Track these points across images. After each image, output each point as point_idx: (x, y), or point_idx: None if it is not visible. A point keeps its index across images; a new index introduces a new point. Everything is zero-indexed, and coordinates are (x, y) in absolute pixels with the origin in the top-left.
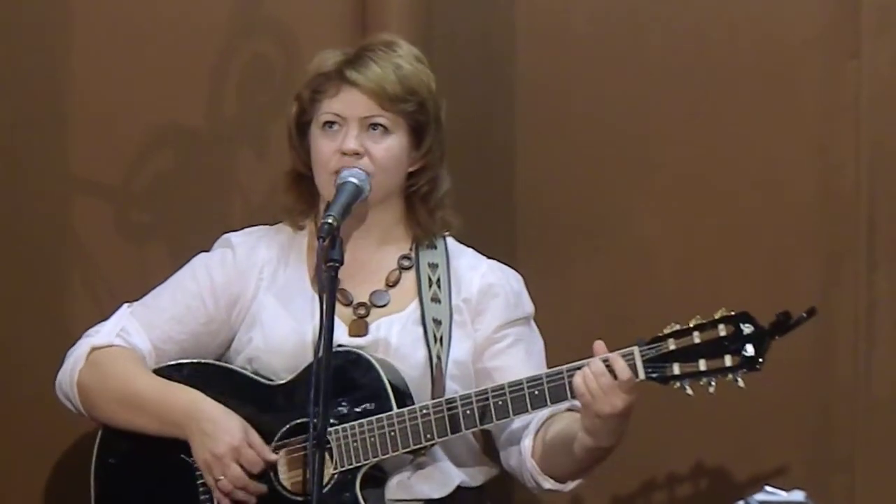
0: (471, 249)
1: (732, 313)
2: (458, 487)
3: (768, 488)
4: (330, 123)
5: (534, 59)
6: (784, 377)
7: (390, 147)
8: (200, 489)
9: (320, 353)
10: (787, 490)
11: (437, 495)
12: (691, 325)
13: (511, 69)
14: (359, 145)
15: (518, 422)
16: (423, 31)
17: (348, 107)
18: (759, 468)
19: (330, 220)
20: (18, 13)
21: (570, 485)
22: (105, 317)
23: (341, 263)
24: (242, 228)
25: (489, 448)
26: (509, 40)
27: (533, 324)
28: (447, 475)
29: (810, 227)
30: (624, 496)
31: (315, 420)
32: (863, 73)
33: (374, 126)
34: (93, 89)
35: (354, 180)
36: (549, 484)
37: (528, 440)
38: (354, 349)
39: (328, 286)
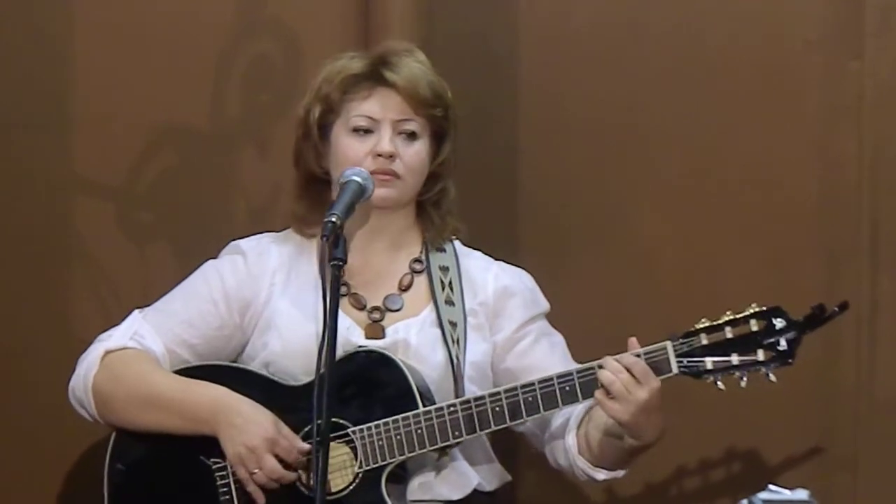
0: (478, 252)
1: (765, 308)
2: (474, 490)
3: (772, 487)
4: (362, 128)
5: (535, 60)
6: (787, 376)
7: (419, 151)
8: (221, 490)
9: (324, 351)
10: (790, 489)
11: (455, 497)
12: (724, 320)
13: (512, 70)
14: (394, 147)
15: (558, 419)
16: (425, 32)
17: (383, 108)
18: (762, 467)
19: (333, 219)
20: (21, 14)
21: (621, 472)
22: (108, 316)
23: (345, 262)
24: (244, 229)
25: (504, 453)
26: (511, 41)
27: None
28: (465, 477)
29: (813, 227)
30: (627, 494)
31: (319, 421)
32: (865, 73)
33: (406, 132)
34: (96, 89)
35: (358, 179)
36: (602, 475)
37: (571, 437)
38: (376, 349)
39: (332, 284)
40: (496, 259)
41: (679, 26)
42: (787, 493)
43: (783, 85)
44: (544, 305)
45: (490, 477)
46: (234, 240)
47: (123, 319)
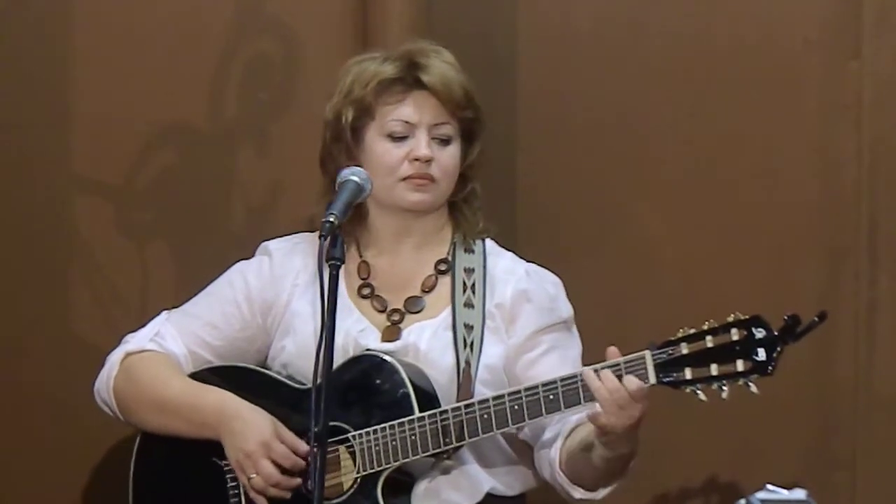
0: (510, 253)
1: (745, 317)
2: (492, 496)
3: (770, 487)
4: (398, 134)
5: (535, 59)
6: (785, 375)
7: (454, 154)
8: (231, 491)
9: (322, 353)
10: (788, 488)
11: (465, 503)
12: (704, 329)
13: (512, 69)
14: (430, 152)
15: (549, 431)
16: (424, 31)
17: (418, 112)
18: (760, 466)
19: (331, 219)
20: (20, 13)
21: (601, 492)
22: (107, 315)
23: (342, 262)
24: (243, 227)
25: (529, 458)
26: (511, 40)
27: (573, 328)
28: (475, 481)
29: (812, 226)
30: (626, 497)
31: (317, 424)
32: (864, 72)
33: (440, 136)
34: (94, 88)
35: (356, 179)
36: (579, 493)
37: (555, 451)
38: (379, 353)
39: (330, 285)
40: (530, 261)
41: (679, 26)
42: (784, 493)
43: (783, 84)
44: (564, 314)
45: (511, 481)
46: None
47: (149, 321)
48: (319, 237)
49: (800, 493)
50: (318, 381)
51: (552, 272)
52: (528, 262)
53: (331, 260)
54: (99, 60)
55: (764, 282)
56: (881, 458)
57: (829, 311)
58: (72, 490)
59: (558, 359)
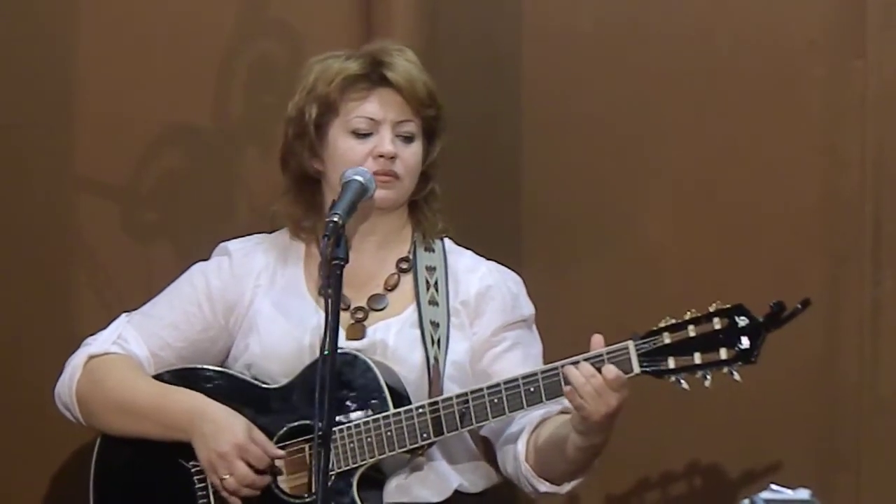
0: (469, 251)
1: (727, 306)
2: (459, 493)
3: (774, 486)
4: (362, 130)
5: (539, 61)
6: (790, 376)
7: (416, 152)
8: (199, 493)
9: (326, 353)
10: (792, 488)
11: (435, 499)
12: (686, 319)
13: (516, 70)
14: (394, 148)
15: (514, 426)
16: (428, 33)
17: (383, 109)
18: (764, 467)
19: (335, 219)
20: (25, 13)
21: (567, 486)
22: (111, 316)
23: (346, 262)
24: (247, 229)
25: (491, 455)
26: (515, 41)
27: (533, 327)
28: (444, 478)
29: (816, 227)
30: (630, 497)
31: (320, 422)
32: (868, 73)
33: (404, 134)
34: (99, 89)
35: (360, 179)
36: (544, 487)
37: (521, 444)
38: (351, 351)
39: (333, 285)
40: (490, 259)
41: (682, 27)
42: (789, 493)
43: (787, 85)
44: (526, 312)
45: (475, 479)
46: (223, 241)
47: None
48: (323, 237)
49: (804, 494)
50: (322, 382)
51: (514, 271)
52: (487, 259)
53: (334, 260)
54: (103, 61)
55: (768, 284)
56: (885, 458)
57: (834, 313)
58: (78, 488)
59: (521, 355)
